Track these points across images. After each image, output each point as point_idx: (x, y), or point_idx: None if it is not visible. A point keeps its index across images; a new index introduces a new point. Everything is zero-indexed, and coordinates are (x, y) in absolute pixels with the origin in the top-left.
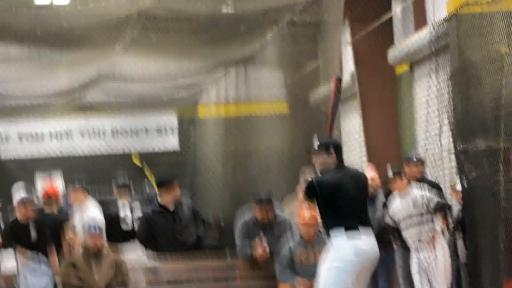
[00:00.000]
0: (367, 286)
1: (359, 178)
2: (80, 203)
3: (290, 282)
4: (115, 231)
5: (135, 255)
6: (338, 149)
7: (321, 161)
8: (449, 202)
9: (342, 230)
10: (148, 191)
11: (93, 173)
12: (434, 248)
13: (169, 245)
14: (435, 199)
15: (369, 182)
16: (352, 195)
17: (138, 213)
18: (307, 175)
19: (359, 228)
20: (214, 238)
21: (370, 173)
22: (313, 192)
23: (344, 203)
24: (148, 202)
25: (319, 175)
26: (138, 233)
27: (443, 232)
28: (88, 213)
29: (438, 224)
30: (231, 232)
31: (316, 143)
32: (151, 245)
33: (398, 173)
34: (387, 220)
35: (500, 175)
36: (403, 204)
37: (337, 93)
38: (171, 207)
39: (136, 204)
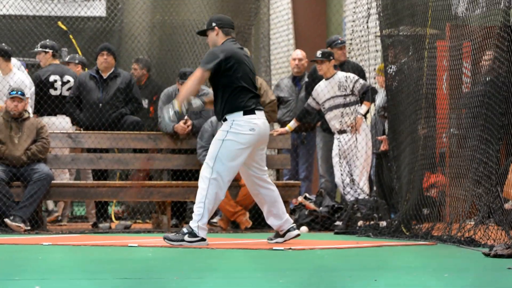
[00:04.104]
0: (264, 157)
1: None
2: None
3: None
4: (44, 96)
5: (57, 120)
6: (220, 22)
7: (210, 40)
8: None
9: (240, 111)
10: (72, 55)
11: (17, 34)
12: (357, 131)
13: (92, 112)
14: (361, 80)
15: (297, 62)
16: (249, 69)
17: (68, 78)
18: None
19: (255, 110)
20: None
21: (298, 53)
22: (217, 61)
23: (244, 76)
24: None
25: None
26: (69, 94)
27: (366, 117)
28: (15, 78)
29: (363, 108)
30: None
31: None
32: (77, 109)
33: (327, 55)
34: (310, 101)
35: (424, 62)
36: (327, 85)
37: None
38: (106, 75)
39: (65, 68)
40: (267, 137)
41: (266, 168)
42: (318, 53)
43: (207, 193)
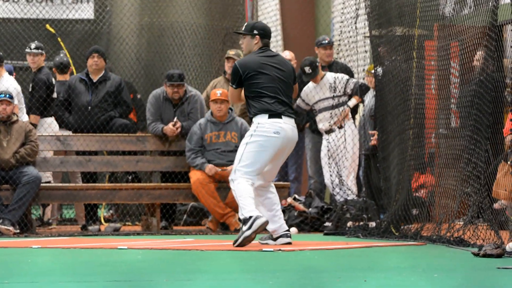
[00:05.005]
0: (279, 168)
1: (285, 63)
2: None
3: (200, 168)
4: (47, 98)
5: (45, 123)
6: (263, 32)
7: (246, 44)
8: None
9: (265, 113)
10: (59, 58)
11: (5, 37)
12: (343, 128)
13: (80, 114)
14: (352, 80)
15: None
16: (275, 76)
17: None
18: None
19: (282, 115)
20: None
21: (287, 54)
22: (238, 76)
23: (267, 83)
24: (61, 67)
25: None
26: (58, 97)
27: (354, 118)
28: (4, 83)
29: (352, 101)
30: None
31: (244, 26)
32: (65, 112)
33: (314, 67)
34: (299, 102)
35: (412, 62)
36: (316, 87)
37: None
38: (95, 78)
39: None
40: (293, 144)
41: (272, 179)
42: (307, 70)
43: (236, 192)
